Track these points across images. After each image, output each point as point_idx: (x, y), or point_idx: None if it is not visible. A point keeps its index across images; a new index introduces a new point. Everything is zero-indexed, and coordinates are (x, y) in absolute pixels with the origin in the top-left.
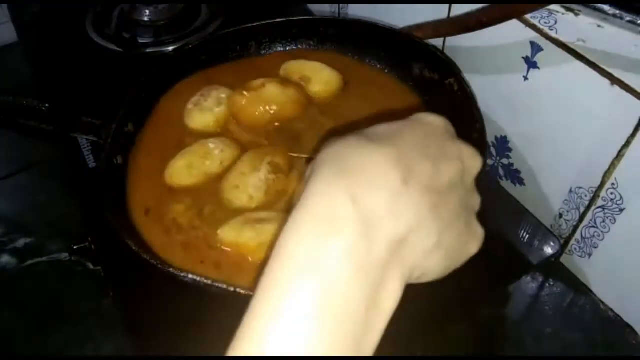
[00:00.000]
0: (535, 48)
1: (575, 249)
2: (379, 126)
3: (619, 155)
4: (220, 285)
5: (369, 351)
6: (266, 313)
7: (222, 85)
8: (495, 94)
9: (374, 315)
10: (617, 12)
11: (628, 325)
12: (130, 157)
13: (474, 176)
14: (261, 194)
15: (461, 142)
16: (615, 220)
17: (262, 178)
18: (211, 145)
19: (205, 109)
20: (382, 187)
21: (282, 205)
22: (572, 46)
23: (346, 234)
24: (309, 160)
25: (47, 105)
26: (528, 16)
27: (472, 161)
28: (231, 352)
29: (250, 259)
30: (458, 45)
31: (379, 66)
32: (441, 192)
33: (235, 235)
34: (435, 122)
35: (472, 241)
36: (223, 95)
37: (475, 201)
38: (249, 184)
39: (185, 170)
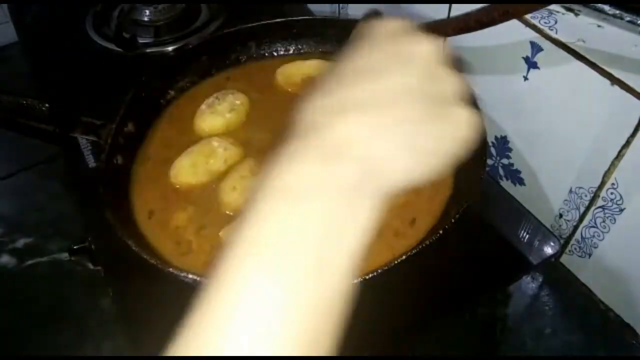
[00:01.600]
0: (535, 48)
1: (575, 249)
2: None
3: (619, 155)
4: None
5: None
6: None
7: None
8: (495, 94)
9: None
10: (617, 12)
11: (628, 325)
12: (135, 158)
13: (433, 63)
14: None
15: (411, 37)
16: (615, 220)
17: None
18: (215, 144)
19: (217, 113)
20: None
21: None
22: (572, 46)
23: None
24: None
25: (47, 105)
26: (528, 16)
27: (423, 49)
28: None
29: None
30: (458, 45)
31: None
32: (390, 104)
33: None
34: (383, 29)
35: (454, 129)
36: (238, 102)
37: (447, 87)
38: (247, 187)
39: (189, 169)
